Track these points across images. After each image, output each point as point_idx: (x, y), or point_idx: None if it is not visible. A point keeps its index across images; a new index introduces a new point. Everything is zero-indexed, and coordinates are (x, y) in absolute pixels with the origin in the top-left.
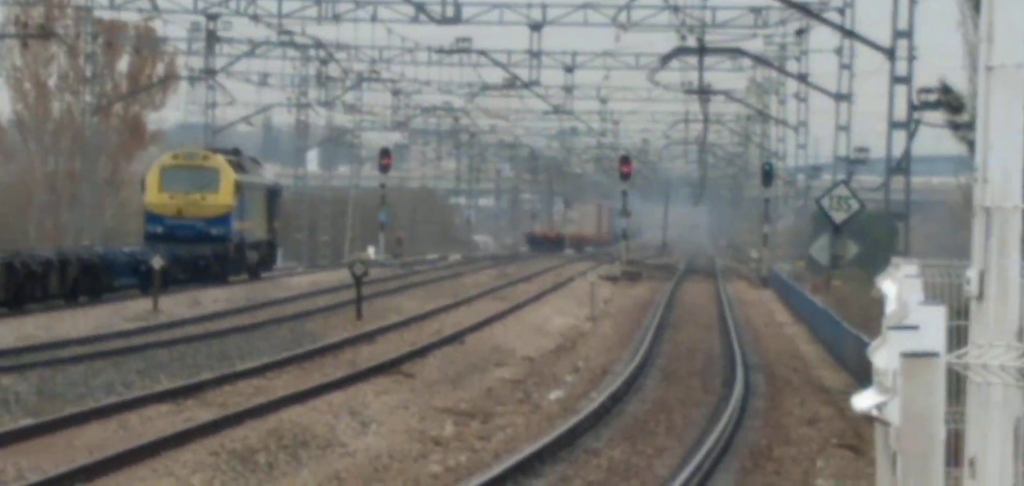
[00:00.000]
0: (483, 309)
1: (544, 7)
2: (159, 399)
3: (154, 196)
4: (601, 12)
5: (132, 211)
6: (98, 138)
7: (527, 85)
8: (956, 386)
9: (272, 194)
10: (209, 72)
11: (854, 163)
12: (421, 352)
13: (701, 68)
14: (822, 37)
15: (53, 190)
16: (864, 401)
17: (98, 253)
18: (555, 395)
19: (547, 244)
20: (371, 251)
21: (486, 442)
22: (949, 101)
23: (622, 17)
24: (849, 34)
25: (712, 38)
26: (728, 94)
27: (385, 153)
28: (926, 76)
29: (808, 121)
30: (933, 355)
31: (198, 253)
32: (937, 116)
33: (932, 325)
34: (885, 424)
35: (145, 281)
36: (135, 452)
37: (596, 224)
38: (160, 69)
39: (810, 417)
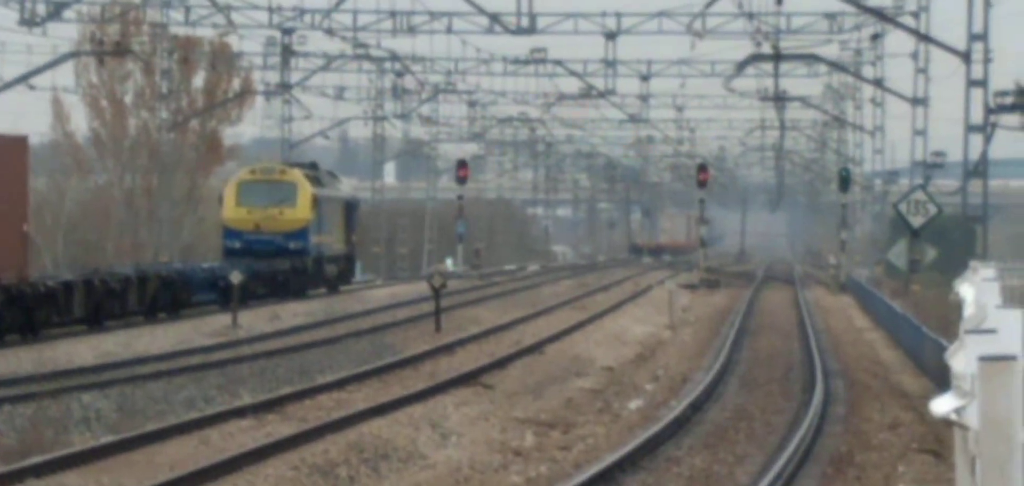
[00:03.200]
0: (562, 319)
1: (619, 16)
2: (239, 414)
3: (232, 211)
4: (676, 20)
5: (210, 227)
6: (175, 154)
7: (603, 94)
8: None
9: (350, 207)
10: (285, 86)
11: (931, 167)
12: (501, 363)
13: (777, 74)
14: (897, 41)
15: (131, 207)
16: (943, 405)
17: (177, 269)
18: (635, 404)
19: (651, 253)
20: (449, 263)
21: (567, 452)
22: None
23: (697, 25)
24: (924, 38)
25: (787, 44)
26: (804, 100)
27: (462, 164)
28: (1002, 79)
29: (884, 126)
30: (1011, 359)
31: (277, 268)
32: (1014, 119)
33: (1010, 329)
34: (964, 428)
35: (224, 297)
36: (216, 468)
37: (686, 233)
38: (236, 84)
39: (891, 422)
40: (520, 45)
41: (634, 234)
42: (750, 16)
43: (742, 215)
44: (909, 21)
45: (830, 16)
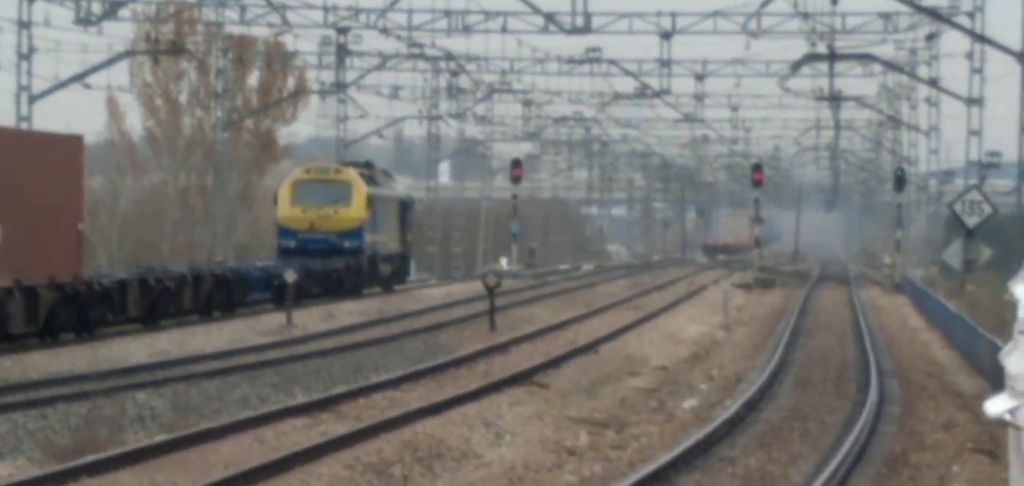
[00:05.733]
0: (616, 318)
1: (674, 16)
2: (294, 413)
3: (286, 210)
4: (731, 20)
5: (264, 226)
6: (229, 153)
7: (658, 94)
8: None
9: (404, 207)
10: (340, 86)
11: (986, 167)
12: (555, 362)
13: (832, 74)
14: (953, 41)
15: (185, 206)
16: (997, 406)
17: (231, 268)
18: (689, 403)
19: (718, 251)
20: (504, 262)
21: (621, 452)
22: None
23: (752, 24)
24: (979, 38)
25: (842, 44)
26: (859, 100)
27: (516, 164)
28: None
29: (940, 126)
30: None
31: (331, 267)
32: None
33: None
34: (1018, 428)
35: (278, 295)
36: (270, 466)
37: (749, 233)
38: (291, 83)
39: (945, 422)
40: (575, 44)
41: (705, 234)
42: (805, 16)
43: (797, 215)
44: (964, 21)
45: (885, 16)
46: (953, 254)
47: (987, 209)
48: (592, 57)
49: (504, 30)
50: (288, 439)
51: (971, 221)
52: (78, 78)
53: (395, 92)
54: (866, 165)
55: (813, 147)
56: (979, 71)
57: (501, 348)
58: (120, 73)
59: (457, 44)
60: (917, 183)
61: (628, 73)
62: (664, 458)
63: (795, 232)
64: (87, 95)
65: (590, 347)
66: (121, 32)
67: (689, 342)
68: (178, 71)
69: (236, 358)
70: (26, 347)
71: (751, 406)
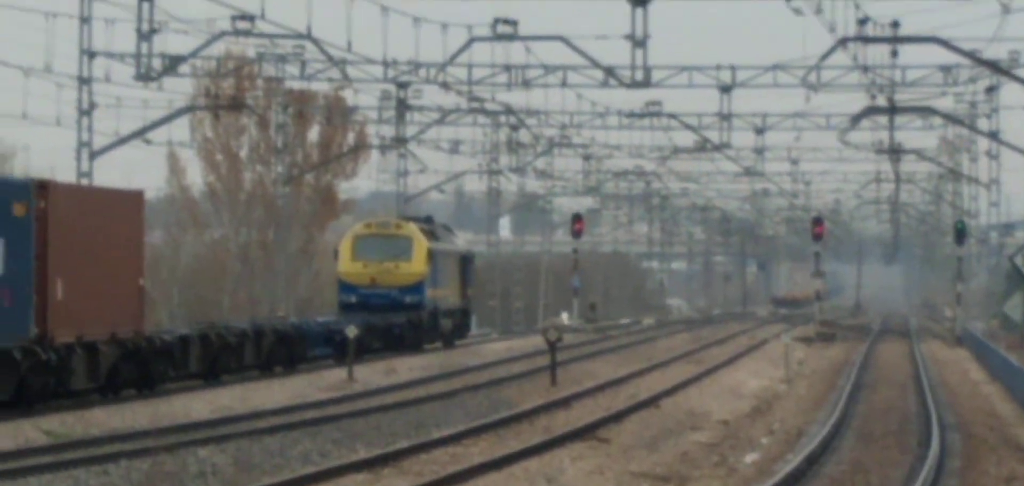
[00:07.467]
0: (678, 373)
1: (733, 69)
2: (355, 468)
3: (347, 265)
4: (791, 73)
5: (325, 281)
6: (290, 208)
7: (718, 147)
8: None
9: (465, 261)
10: (400, 140)
11: None
12: (616, 417)
13: (892, 127)
14: (1013, 93)
15: (246, 261)
16: None
17: (292, 324)
18: (751, 458)
19: (787, 304)
20: (565, 317)
21: None
22: None
23: (812, 78)
24: None
25: (902, 97)
26: (919, 153)
27: (577, 218)
28: None
29: (1000, 178)
30: None
31: (392, 321)
32: None
33: None
34: None
35: (340, 351)
36: None
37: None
38: (351, 138)
39: (1007, 476)
40: (635, 98)
41: (766, 288)
42: (865, 69)
43: (858, 268)
44: None
45: (945, 69)
46: (1014, 307)
47: None
48: (652, 111)
49: (564, 84)
50: None
51: None
52: (139, 134)
53: (455, 147)
54: (926, 218)
55: (873, 200)
56: None
57: (562, 403)
58: (180, 128)
59: (517, 98)
60: (978, 236)
61: (688, 127)
62: None
63: (856, 285)
64: (148, 150)
65: (651, 401)
66: (181, 88)
67: (750, 396)
68: (238, 126)
69: (298, 414)
70: (88, 403)
71: (813, 460)
